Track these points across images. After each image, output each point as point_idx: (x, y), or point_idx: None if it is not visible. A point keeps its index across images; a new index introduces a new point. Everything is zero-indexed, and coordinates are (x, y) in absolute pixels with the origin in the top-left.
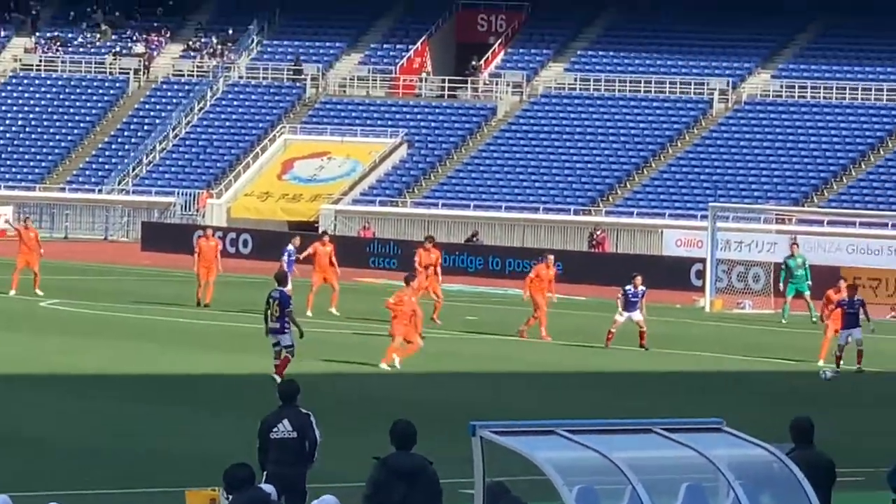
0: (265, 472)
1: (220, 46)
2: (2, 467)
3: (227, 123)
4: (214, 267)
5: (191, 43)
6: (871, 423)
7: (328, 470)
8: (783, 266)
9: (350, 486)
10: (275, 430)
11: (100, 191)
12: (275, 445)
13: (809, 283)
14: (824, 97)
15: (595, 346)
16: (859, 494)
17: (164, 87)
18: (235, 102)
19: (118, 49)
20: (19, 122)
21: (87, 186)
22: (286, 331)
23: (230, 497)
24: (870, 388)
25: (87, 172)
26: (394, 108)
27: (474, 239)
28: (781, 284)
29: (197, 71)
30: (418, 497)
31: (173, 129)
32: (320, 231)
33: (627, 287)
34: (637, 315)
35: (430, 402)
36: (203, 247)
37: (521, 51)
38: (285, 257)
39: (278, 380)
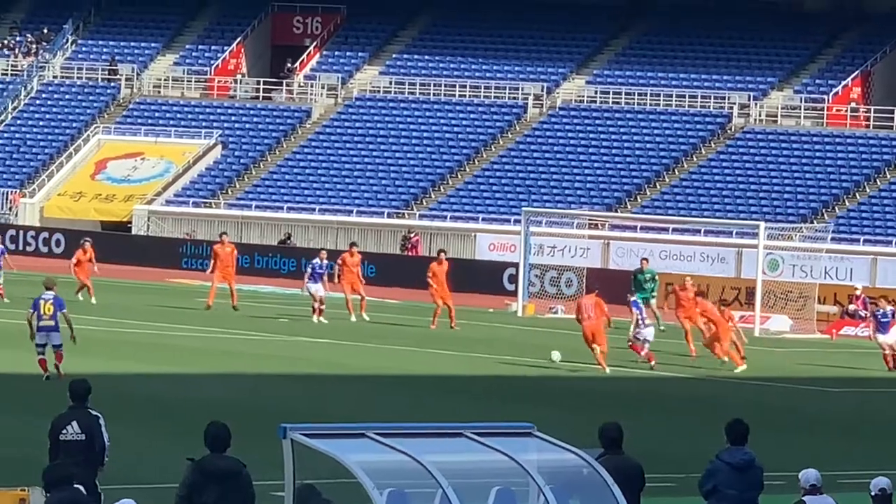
0: None
1: (34, 45)
2: None
3: (41, 123)
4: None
5: (5, 41)
6: (682, 428)
7: (137, 471)
8: (632, 277)
9: (160, 488)
10: (63, 431)
11: None
12: (64, 447)
13: (655, 294)
14: (638, 103)
15: (407, 348)
16: (670, 500)
17: None
18: (49, 102)
19: None
20: None
21: None
22: (58, 329)
23: (48, 496)
24: (678, 393)
25: None
26: (208, 110)
27: (287, 241)
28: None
29: (11, 70)
30: (232, 499)
31: None
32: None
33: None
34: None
35: (242, 404)
36: (220, 252)
37: (336, 53)
38: (309, 270)
39: (59, 377)
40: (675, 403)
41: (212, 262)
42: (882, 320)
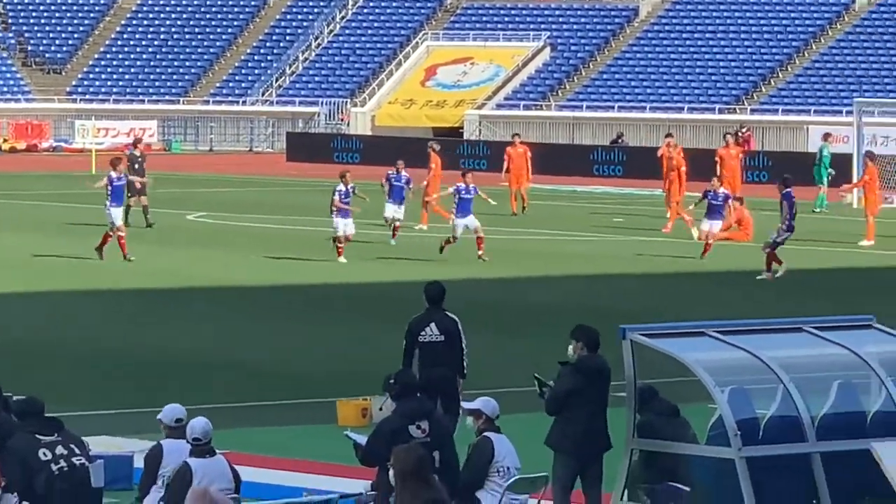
0: None
1: None
2: (158, 382)
3: (370, 31)
4: (525, 176)
5: None
6: None
7: (483, 375)
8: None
9: (502, 392)
10: (423, 333)
11: (243, 102)
12: (423, 348)
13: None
14: None
15: (741, 244)
16: None
17: None
18: (377, 10)
19: None
20: (161, 36)
21: (230, 98)
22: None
23: (395, 403)
24: None
25: (231, 84)
26: (535, 12)
27: (619, 140)
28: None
29: None
30: (603, 397)
31: (315, 39)
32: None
33: None
34: None
35: (578, 306)
36: (512, 154)
37: None
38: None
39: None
40: None
41: (505, 164)
42: None
